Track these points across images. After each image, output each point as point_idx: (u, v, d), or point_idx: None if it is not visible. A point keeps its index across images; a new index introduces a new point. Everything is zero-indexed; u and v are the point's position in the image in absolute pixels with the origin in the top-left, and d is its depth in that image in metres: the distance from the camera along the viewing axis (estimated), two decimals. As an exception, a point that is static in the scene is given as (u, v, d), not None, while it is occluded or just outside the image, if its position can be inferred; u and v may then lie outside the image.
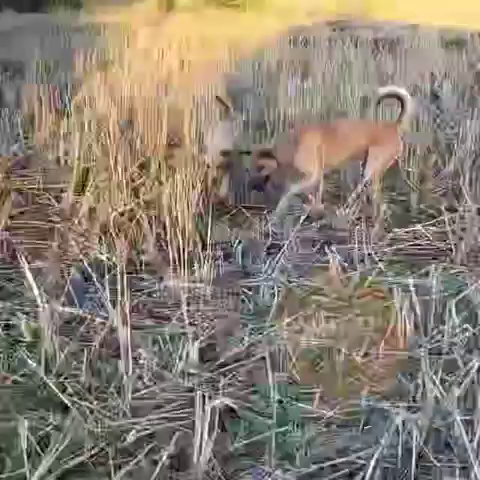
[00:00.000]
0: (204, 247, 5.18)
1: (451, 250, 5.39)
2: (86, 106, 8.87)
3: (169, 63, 12.87)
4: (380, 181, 6.16)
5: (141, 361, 3.85)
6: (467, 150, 7.16)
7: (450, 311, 4.18)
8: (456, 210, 5.96)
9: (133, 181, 6.51)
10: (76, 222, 5.85)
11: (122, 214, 5.96)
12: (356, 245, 5.18)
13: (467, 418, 3.28)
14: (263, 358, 3.89)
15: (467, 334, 4.05)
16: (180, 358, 3.87)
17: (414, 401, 3.61)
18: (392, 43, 15.97)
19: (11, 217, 5.97)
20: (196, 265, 4.85)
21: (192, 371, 3.85)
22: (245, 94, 10.46)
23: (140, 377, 3.76)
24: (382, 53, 14.32)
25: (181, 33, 16.90)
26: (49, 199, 6.49)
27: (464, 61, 13.75)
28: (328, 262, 4.94)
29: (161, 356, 3.98)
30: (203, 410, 3.13)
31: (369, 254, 5.21)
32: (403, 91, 5.97)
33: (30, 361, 3.79)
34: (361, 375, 3.88)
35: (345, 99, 9.60)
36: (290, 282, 4.86)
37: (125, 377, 3.67)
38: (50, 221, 6.03)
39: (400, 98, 5.96)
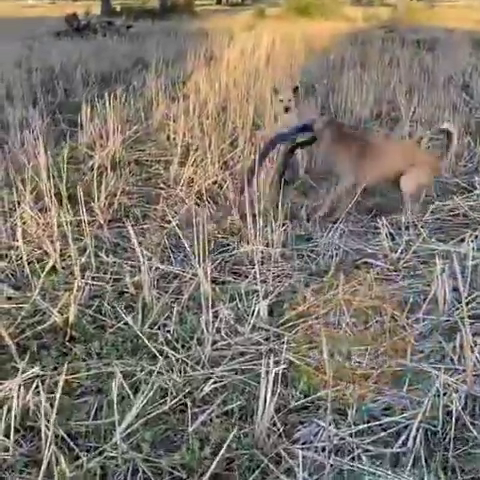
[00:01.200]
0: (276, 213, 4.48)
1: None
2: (191, 94, 8.27)
3: (258, 58, 12.15)
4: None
5: (221, 316, 3.30)
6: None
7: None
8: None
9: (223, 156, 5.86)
10: (178, 190, 5.27)
11: (215, 182, 5.38)
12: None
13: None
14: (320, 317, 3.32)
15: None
16: (252, 314, 3.29)
17: (453, 363, 2.96)
18: (431, 43, 14.75)
19: (127, 183, 5.45)
20: (268, 230, 4.20)
21: (262, 326, 3.28)
22: (316, 83, 9.64)
23: (218, 330, 3.21)
24: (423, 51, 13.17)
25: (268, 34, 16.14)
26: (158, 169, 5.91)
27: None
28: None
29: (237, 312, 3.41)
30: (268, 365, 2.57)
31: (414, 223, 4.48)
32: (452, 127, 4.91)
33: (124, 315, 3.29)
34: (407, 335, 3.23)
35: (394, 89, 8.69)
36: (346, 246, 4.19)
37: (205, 330, 3.13)
38: (158, 188, 5.47)
39: (449, 133, 4.84)
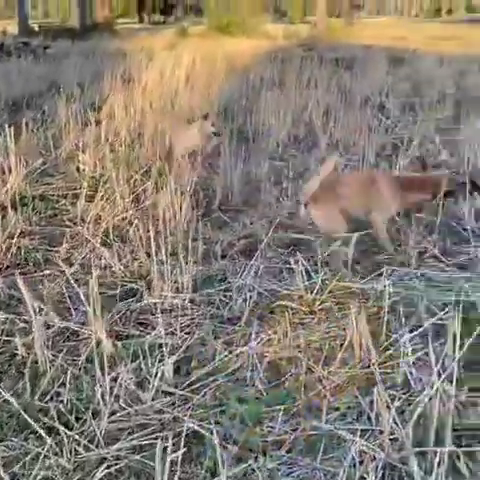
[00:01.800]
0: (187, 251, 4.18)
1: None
2: (104, 120, 7.91)
3: (177, 79, 11.90)
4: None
5: (120, 380, 2.95)
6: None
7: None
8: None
9: (135, 190, 5.52)
10: (85, 228, 4.91)
11: (124, 219, 5.03)
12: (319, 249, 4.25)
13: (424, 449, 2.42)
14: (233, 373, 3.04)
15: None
16: (156, 375, 2.97)
17: (370, 422, 2.72)
18: (349, 61, 14.88)
19: (30, 222, 5.04)
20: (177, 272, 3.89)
21: (167, 389, 2.96)
22: (233, 105, 9.45)
23: (117, 398, 2.87)
24: (341, 70, 13.23)
25: (189, 54, 15.93)
26: (65, 205, 5.52)
27: (403, 75, 12.73)
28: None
29: (140, 374, 3.07)
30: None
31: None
32: None
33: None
34: (323, 389, 2.98)
35: (311, 110, 8.59)
36: (261, 287, 3.92)
37: (100, 400, 2.79)
38: (64, 226, 5.09)
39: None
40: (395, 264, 4.19)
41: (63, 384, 2.97)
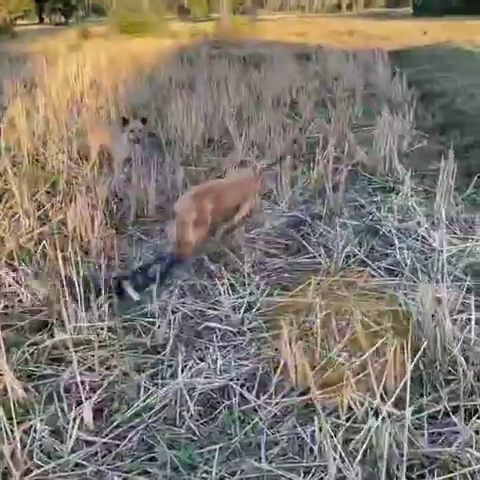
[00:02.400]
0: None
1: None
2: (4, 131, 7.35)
3: (82, 83, 11.38)
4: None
5: (33, 433, 2.60)
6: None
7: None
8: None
9: (42, 206, 5.08)
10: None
11: (31, 239, 4.60)
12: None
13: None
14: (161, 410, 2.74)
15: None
16: (75, 421, 2.63)
17: (313, 457, 2.50)
18: (256, 59, 14.75)
19: None
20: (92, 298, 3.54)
21: (87, 438, 2.63)
22: (141, 109, 9.06)
23: (31, 455, 2.52)
24: (250, 68, 13.05)
25: (93, 55, 15.35)
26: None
27: (311, 70, 12.72)
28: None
29: (56, 422, 2.72)
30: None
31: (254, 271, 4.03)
32: None
33: None
34: (259, 421, 2.74)
35: (224, 110, 8.33)
36: (185, 308, 3.63)
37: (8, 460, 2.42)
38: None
39: None
40: (320, 271, 4.00)
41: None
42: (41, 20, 52.72)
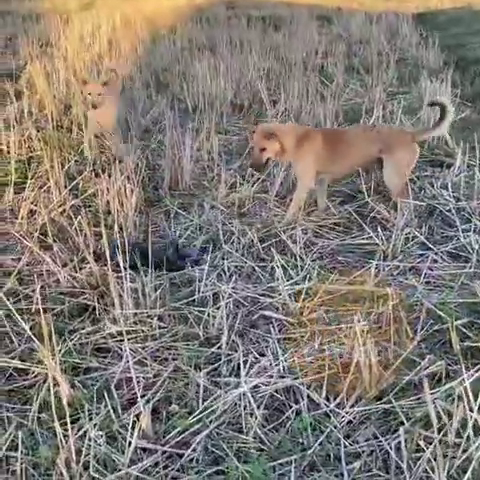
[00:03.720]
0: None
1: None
2: (25, 93, 6.96)
3: (99, 43, 10.89)
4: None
5: (87, 441, 2.31)
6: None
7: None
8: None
9: (72, 177, 4.74)
10: (16, 225, 4.14)
11: (63, 212, 4.27)
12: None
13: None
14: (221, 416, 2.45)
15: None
16: (132, 427, 2.34)
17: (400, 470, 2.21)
18: (277, 20, 14.14)
19: None
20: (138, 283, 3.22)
21: (146, 446, 2.34)
22: (164, 72, 8.62)
23: (86, 466, 2.23)
24: (270, 29, 12.49)
25: (108, 14, 14.77)
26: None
27: (334, 33, 12.15)
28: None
29: (110, 426, 2.43)
30: None
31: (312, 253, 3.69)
32: (447, 101, 4.12)
33: None
34: (333, 428, 2.44)
35: (251, 74, 7.89)
36: (236, 294, 3.31)
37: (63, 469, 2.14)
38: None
39: (443, 106, 4.04)
40: (377, 253, 3.67)
41: (13, 445, 2.30)
42: (50, -23, 51.35)
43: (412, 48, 9.94)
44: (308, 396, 2.58)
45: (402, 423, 2.38)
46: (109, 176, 4.50)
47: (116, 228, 3.73)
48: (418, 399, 2.48)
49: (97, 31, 12.22)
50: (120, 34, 12.06)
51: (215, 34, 11.84)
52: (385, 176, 4.14)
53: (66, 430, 2.27)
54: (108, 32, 12.14)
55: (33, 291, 3.33)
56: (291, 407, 2.54)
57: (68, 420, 2.32)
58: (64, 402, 2.41)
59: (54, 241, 3.79)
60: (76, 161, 5.09)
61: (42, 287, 3.39)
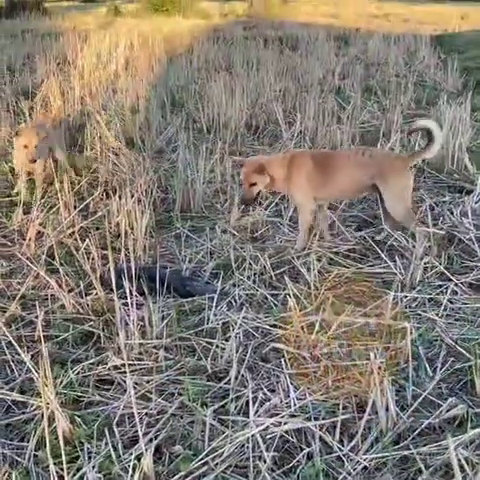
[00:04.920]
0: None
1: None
2: (40, 110, 6.92)
3: (116, 62, 10.88)
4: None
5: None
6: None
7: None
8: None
9: (82, 198, 4.64)
10: (24, 247, 4.04)
11: (72, 234, 4.16)
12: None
13: None
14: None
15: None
16: (134, 469, 2.20)
17: None
18: (293, 40, 14.11)
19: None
20: (145, 311, 3.09)
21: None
22: (180, 91, 8.55)
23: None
24: (286, 49, 12.45)
25: (125, 34, 14.84)
26: (-1, 217, 4.60)
27: (351, 55, 12.06)
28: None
29: (109, 469, 2.28)
30: None
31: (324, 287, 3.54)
32: (433, 124, 3.94)
33: None
34: (347, 475, 2.28)
35: (267, 94, 7.81)
36: (246, 324, 3.16)
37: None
38: (-2, 244, 4.20)
39: (429, 131, 3.85)
40: (395, 283, 3.51)
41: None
42: (71, -3, 52.04)
43: (430, 70, 9.82)
44: (320, 438, 2.42)
45: (420, 471, 2.22)
46: (119, 198, 4.41)
47: (124, 252, 3.62)
48: (438, 445, 2.31)
49: (114, 50, 12.25)
50: (137, 53, 12.08)
51: (232, 54, 11.82)
52: (387, 205, 3.95)
53: (62, 470, 2.14)
54: (125, 51, 12.15)
55: (36, 317, 3.22)
56: (302, 450, 2.38)
57: (64, 459, 2.19)
58: (61, 440, 2.27)
59: (61, 265, 3.68)
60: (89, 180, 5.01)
61: (46, 313, 3.28)
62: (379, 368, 2.55)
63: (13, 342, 2.73)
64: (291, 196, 4.18)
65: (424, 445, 2.35)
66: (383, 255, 3.77)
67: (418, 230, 3.87)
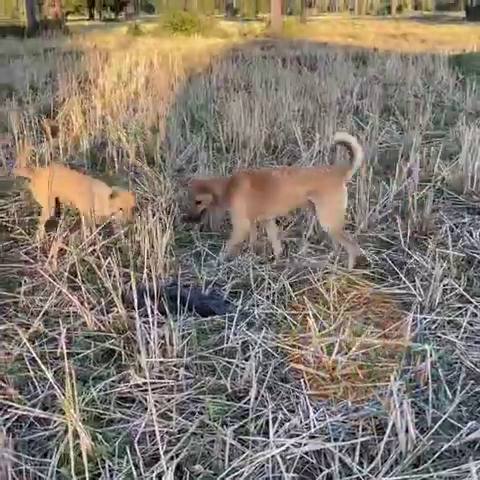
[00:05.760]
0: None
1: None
2: (62, 129, 7.05)
3: (136, 81, 11.03)
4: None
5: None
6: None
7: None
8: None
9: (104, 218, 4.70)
10: (46, 264, 4.10)
11: (93, 252, 4.22)
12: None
13: None
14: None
15: None
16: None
17: None
18: (311, 60, 14.23)
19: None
20: (166, 330, 3.13)
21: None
22: (200, 110, 8.64)
23: None
24: (305, 69, 12.56)
25: (146, 53, 15.07)
26: (22, 234, 4.67)
27: (370, 74, 12.12)
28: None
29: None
30: None
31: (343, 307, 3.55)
32: (352, 139, 4.06)
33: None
34: (366, 497, 2.28)
35: (286, 114, 7.88)
36: (266, 344, 3.19)
37: None
38: (21, 261, 4.27)
39: (350, 146, 4.01)
40: (414, 305, 3.52)
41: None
42: (91, 16, 52.93)
43: (448, 91, 9.85)
44: (340, 460, 2.43)
45: (441, 495, 2.23)
46: (140, 216, 4.47)
47: (145, 270, 3.67)
48: (458, 469, 2.31)
49: (134, 69, 12.44)
50: (157, 72, 12.25)
51: (250, 73, 11.94)
52: (320, 220, 4.12)
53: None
54: (145, 70, 12.33)
55: (59, 334, 3.27)
56: (322, 471, 2.39)
57: (87, 476, 2.23)
58: (84, 457, 2.31)
59: (83, 282, 3.73)
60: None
61: (68, 330, 3.33)
62: (399, 390, 2.56)
63: (37, 358, 2.77)
64: (230, 214, 4.34)
65: (444, 469, 2.34)
66: (402, 276, 3.79)
67: (348, 245, 4.05)
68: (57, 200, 4.68)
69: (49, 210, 4.62)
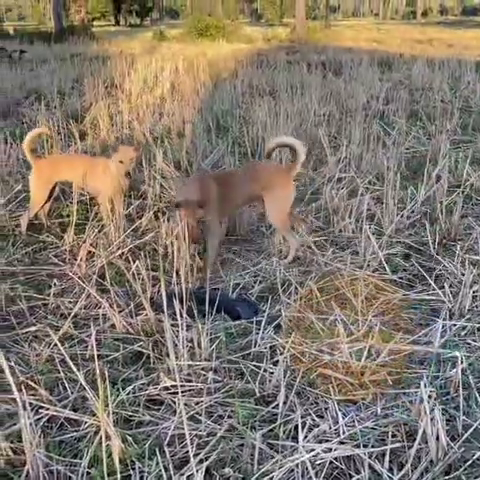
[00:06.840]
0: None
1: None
2: (89, 133, 7.13)
3: (162, 86, 11.11)
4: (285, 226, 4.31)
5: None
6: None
7: None
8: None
9: (132, 219, 4.74)
10: (75, 267, 4.15)
11: (122, 255, 4.26)
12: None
13: None
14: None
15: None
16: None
17: None
18: (336, 65, 14.21)
19: (11, 262, 4.28)
20: (193, 332, 3.14)
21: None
22: (225, 115, 8.67)
23: None
24: (329, 74, 12.54)
25: (171, 58, 15.17)
26: (52, 236, 4.73)
27: (395, 79, 12.05)
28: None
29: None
30: None
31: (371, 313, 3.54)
32: (293, 140, 4.24)
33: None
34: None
35: (311, 119, 7.87)
36: (293, 348, 3.18)
37: None
38: (51, 263, 4.32)
39: (291, 147, 4.19)
40: (443, 311, 3.49)
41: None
42: (117, 21, 53.44)
43: (476, 96, 9.75)
44: (370, 466, 2.42)
45: (473, 504, 2.20)
46: (168, 220, 4.50)
47: (173, 274, 3.70)
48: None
49: (160, 74, 12.52)
50: (182, 77, 12.32)
51: (275, 78, 11.95)
52: (267, 213, 4.29)
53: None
54: (171, 75, 12.40)
55: (88, 336, 3.31)
56: (351, 477, 2.38)
57: (118, 477, 2.25)
58: (116, 459, 2.33)
59: (111, 285, 3.77)
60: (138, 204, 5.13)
61: (97, 332, 3.35)
62: (429, 397, 2.54)
63: (68, 360, 2.79)
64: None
65: (476, 477, 2.32)
66: (431, 282, 3.76)
67: (291, 239, 4.27)
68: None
69: (39, 204, 4.78)
